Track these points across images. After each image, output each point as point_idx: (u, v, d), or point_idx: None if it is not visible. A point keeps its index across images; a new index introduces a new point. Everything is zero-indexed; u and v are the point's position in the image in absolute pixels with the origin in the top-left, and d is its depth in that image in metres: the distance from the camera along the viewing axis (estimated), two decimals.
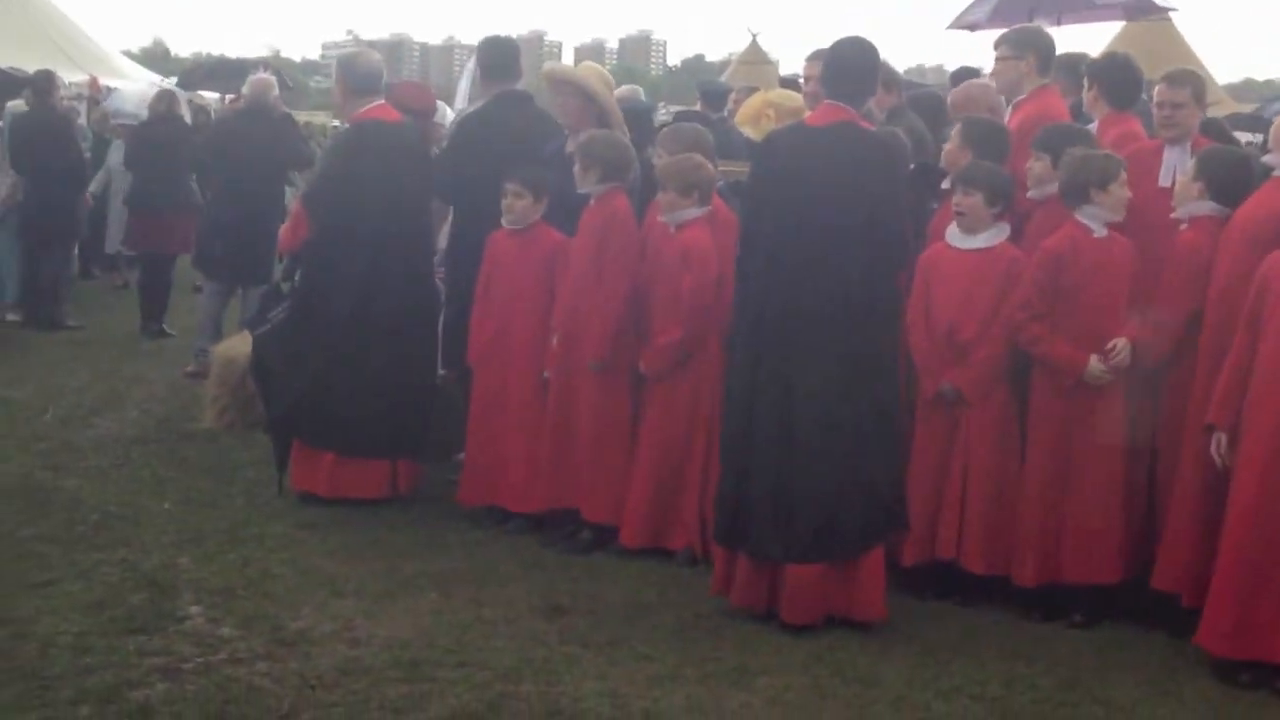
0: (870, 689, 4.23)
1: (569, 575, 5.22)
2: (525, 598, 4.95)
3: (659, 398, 5.48)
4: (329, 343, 6.07)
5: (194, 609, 4.71)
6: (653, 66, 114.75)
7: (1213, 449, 4.47)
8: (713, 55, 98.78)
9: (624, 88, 9.45)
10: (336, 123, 11.38)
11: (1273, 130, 4.72)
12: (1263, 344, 4.36)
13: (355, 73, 6.33)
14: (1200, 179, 4.73)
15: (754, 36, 17.78)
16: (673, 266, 5.42)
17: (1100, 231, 4.85)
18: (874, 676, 4.32)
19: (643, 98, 9.91)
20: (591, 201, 5.59)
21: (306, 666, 4.24)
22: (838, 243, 4.66)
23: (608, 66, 33.00)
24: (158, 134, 10.52)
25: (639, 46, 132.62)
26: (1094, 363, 4.77)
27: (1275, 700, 4.24)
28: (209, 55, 51.88)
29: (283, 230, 6.51)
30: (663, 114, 11.04)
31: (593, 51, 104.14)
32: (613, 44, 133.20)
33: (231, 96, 13.03)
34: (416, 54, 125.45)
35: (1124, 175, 4.85)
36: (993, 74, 5.93)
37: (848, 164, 4.71)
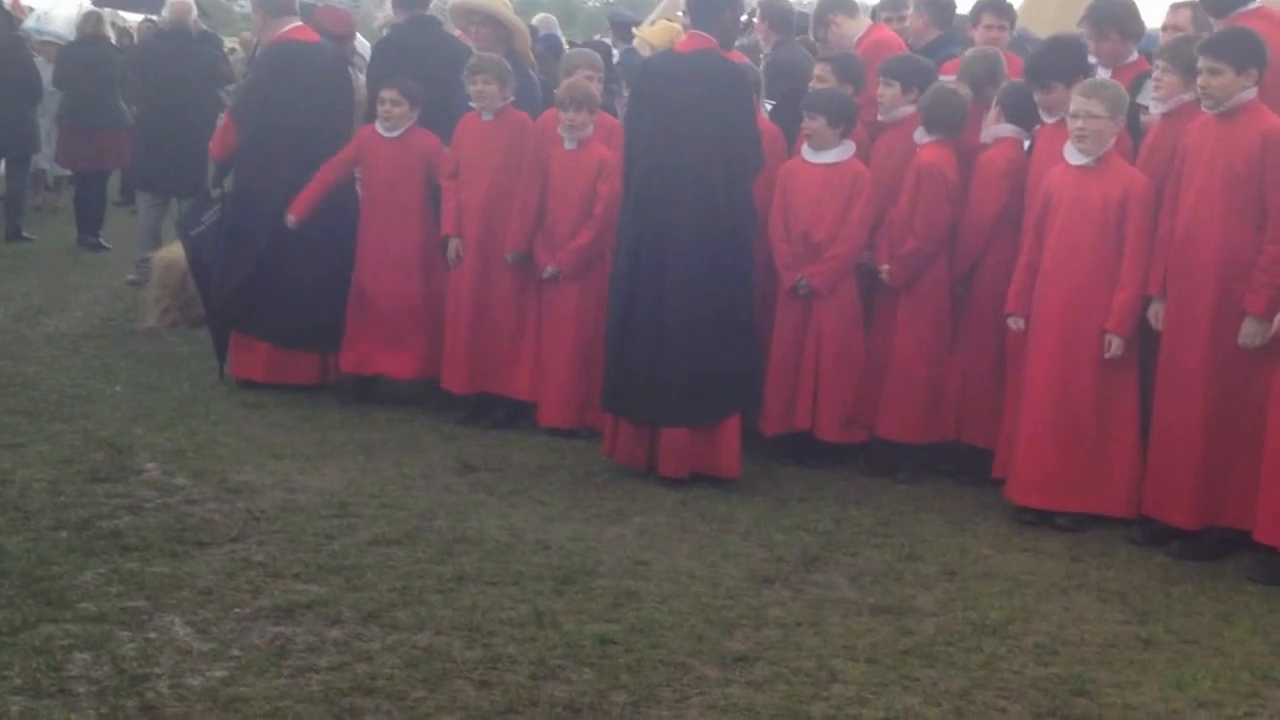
0: (724, 525, 5.12)
1: (481, 443, 6.06)
2: (441, 460, 5.76)
3: (573, 294, 6.22)
4: (259, 244, 6.76)
5: (150, 465, 5.46)
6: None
7: (1011, 325, 5.42)
8: None
9: (540, 16, 10.21)
10: (234, 46, 11.70)
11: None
12: (1047, 245, 5.28)
13: None
14: (998, 106, 5.65)
15: None
16: (585, 176, 6.16)
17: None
18: (728, 517, 5.21)
19: (558, 30, 10.67)
20: (490, 116, 6.32)
21: (252, 505, 5.02)
22: (699, 151, 5.46)
23: None
24: (85, 53, 10.96)
25: None
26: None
27: (1051, 532, 5.20)
28: None
29: (214, 139, 7.19)
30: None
31: None
32: None
33: (150, 18, 13.45)
34: None
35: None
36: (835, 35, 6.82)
37: (703, 86, 5.50)
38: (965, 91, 5.87)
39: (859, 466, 5.86)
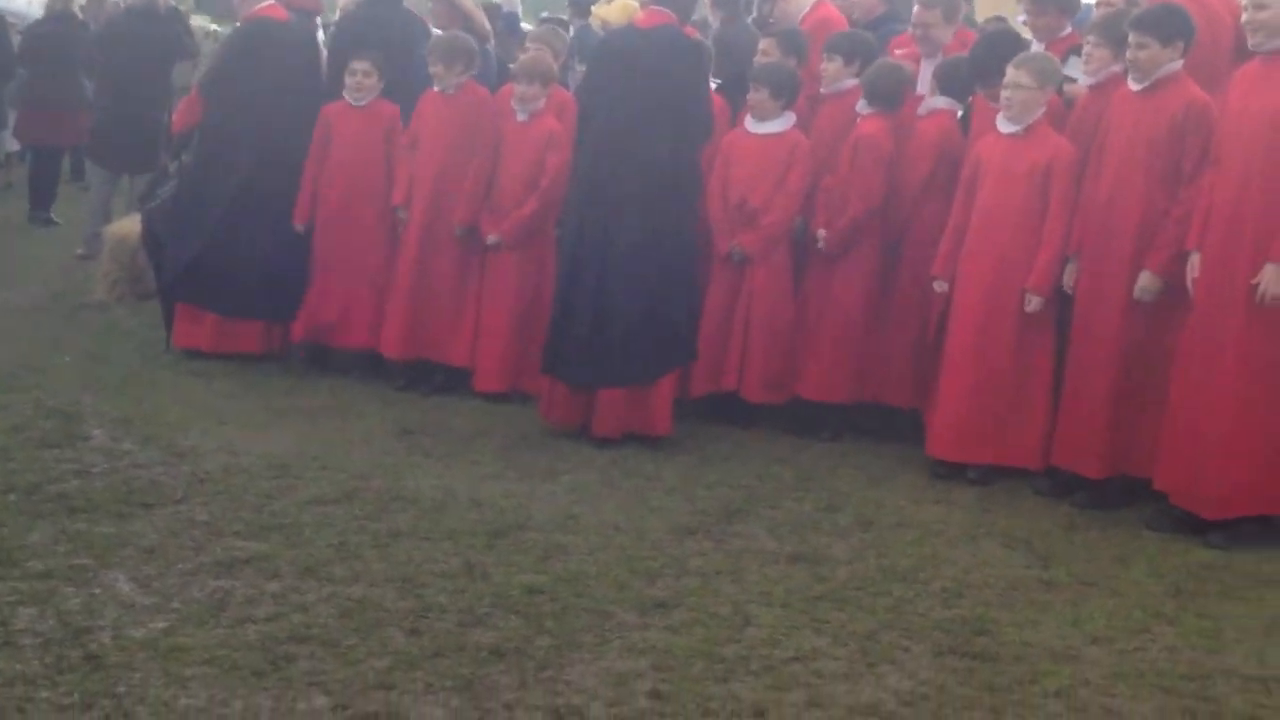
0: (650, 482, 5.34)
1: (420, 409, 6.25)
2: (380, 424, 5.95)
3: (513, 264, 6.38)
4: (215, 216, 6.89)
5: (97, 432, 5.60)
6: None
7: (935, 288, 5.67)
8: None
9: None
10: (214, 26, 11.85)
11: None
12: (975, 210, 5.52)
13: None
14: (934, 80, 5.89)
15: None
16: (534, 148, 6.32)
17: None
18: (655, 474, 5.43)
19: (519, 8, 10.84)
20: (450, 91, 6.48)
21: (196, 468, 5.18)
22: (653, 121, 5.67)
23: None
24: (52, 31, 10.95)
25: None
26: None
27: (964, 485, 5.45)
28: None
29: (177, 112, 7.31)
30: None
31: None
32: None
33: None
34: None
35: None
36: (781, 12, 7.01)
37: (664, 59, 5.71)
38: (909, 67, 6.09)
39: (783, 425, 6.09)
